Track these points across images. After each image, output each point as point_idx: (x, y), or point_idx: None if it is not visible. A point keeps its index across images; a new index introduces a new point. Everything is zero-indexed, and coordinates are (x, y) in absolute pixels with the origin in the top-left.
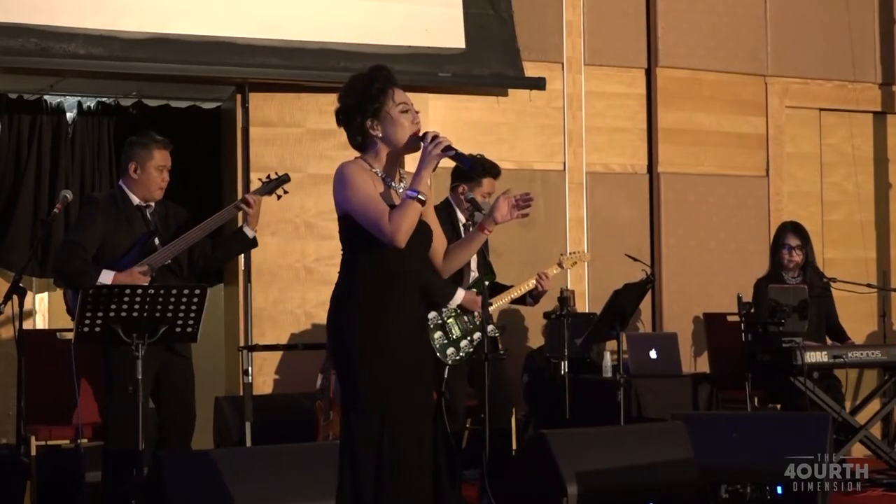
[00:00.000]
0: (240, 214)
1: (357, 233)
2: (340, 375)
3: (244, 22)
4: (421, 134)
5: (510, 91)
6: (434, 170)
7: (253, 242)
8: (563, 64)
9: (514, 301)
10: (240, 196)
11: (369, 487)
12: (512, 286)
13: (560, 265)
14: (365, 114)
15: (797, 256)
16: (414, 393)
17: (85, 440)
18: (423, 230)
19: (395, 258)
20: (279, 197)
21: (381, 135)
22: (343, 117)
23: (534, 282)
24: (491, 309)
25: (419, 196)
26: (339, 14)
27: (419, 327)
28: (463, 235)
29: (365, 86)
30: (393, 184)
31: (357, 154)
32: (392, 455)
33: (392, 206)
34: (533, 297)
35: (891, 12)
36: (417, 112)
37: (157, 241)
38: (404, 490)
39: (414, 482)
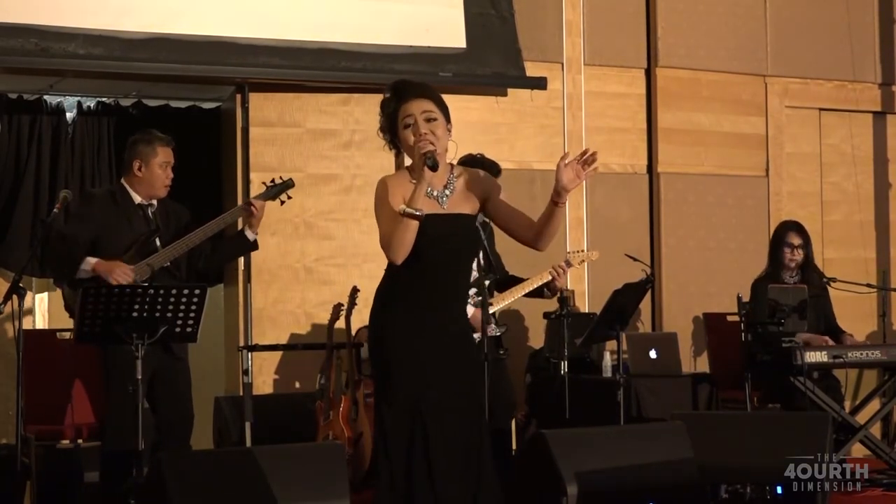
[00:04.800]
0: (240, 218)
1: None
2: (374, 371)
3: (244, 22)
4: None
5: (510, 91)
6: (428, 178)
7: (254, 245)
8: (562, 64)
9: (529, 294)
10: (240, 197)
11: (402, 479)
12: (527, 279)
13: (568, 263)
14: (387, 136)
15: (798, 255)
16: (447, 390)
17: (82, 440)
18: (448, 238)
19: (420, 261)
20: (283, 202)
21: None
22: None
23: (548, 275)
24: (503, 302)
25: (408, 210)
26: (340, 14)
27: (449, 327)
28: None
29: (384, 109)
30: (436, 192)
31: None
32: (423, 448)
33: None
34: (550, 289)
35: (891, 12)
36: (428, 119)
37: (157, 240)
38: (438, 485)
39: (447, 478)
